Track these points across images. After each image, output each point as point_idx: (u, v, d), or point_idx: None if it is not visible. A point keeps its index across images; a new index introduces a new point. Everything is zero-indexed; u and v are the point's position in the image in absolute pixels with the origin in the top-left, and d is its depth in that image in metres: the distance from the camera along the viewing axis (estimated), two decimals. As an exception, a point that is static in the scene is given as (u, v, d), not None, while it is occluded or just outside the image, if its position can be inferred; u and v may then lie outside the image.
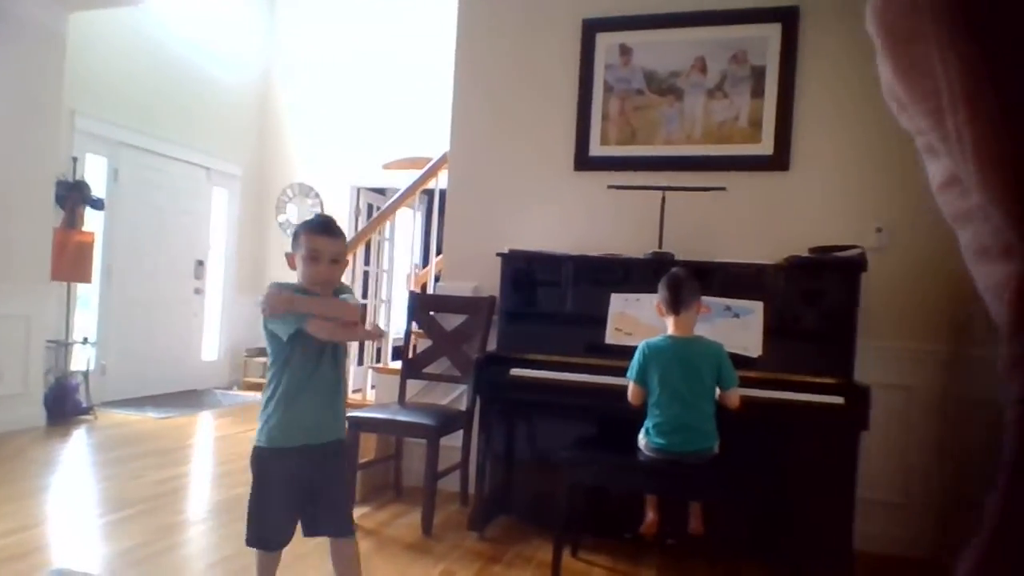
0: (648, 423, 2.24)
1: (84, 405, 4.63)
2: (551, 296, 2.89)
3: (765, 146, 2.95)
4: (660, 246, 2.77)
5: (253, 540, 1.74)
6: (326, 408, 1.74)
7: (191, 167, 5.90)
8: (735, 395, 2.20)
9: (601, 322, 2.66)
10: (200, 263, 6.06)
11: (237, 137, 6.42)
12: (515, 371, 2.61)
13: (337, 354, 1.75)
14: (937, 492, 2.68)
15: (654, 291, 2.33)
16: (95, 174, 4.99)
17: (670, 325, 2.25)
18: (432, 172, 3.86)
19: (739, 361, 2.43)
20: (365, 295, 5.07)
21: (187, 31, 5.73)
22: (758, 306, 2.55)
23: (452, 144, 3.40)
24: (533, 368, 2.62)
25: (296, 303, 1.65)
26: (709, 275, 2.69)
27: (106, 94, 4.99)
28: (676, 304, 2.22)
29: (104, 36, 4.89)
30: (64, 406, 4.49)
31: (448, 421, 2.84)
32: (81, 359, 4.81)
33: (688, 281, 2.25)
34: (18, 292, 4.16)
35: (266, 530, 1.73)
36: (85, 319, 5.06)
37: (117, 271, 5.26)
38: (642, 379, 2.24)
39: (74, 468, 3.60)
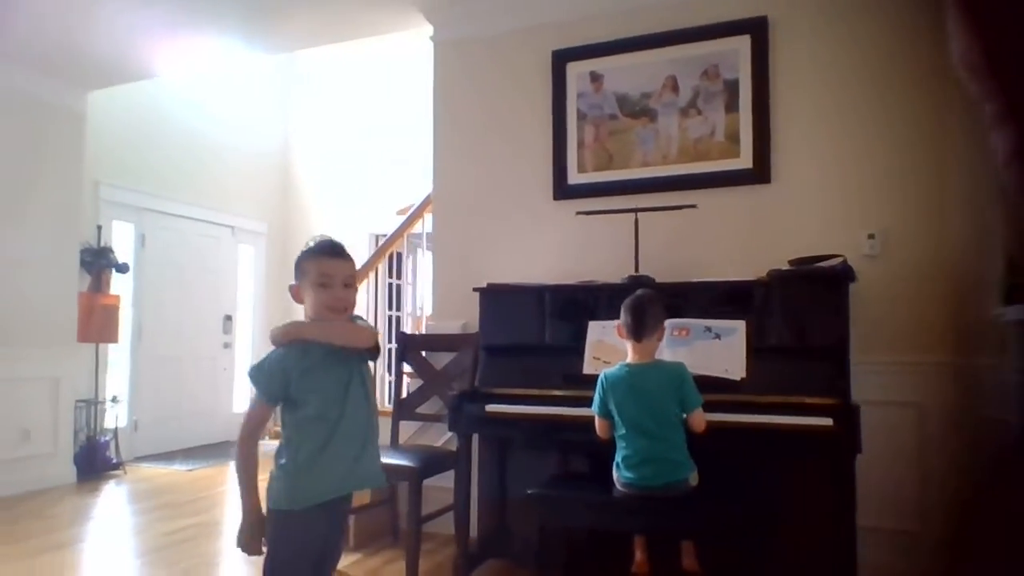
0: (617, 456, 2.14)
1: (114, 461, 4.77)
2: (529, 328, 2.83)
3: (744, 159, 2.86)
4: (636, 270, 2.69)
5: None
6: (361, 451, 1.58)
7: (216, 227, 6.15)
8: (700, 417, 2.08)
9: (580, 352, 2.59)
10: (228, 318, 6.25)
11: (261, 197, 6.66)
12: (491, 407, 2.55)
13: (365, 382, 1.60)
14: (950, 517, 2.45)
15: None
16: (122, 239, 5.25)
17: (630, 351, 2.16)
18: (418, 214, 3.90)
19: (722, 385, 2.31)
20: (390, 340, 5.11)
21: (206, 101, 6.03)
22: (740, 325, 2.43)
23: (435, 185, 3.43)
24: (510, 403, 2.55)
25: (304, 331, 1.55)
26: (687, 296, 2.59)
27: (129, 164, 5.28)
28: (638, 330, 2.13)
29: (125, 109, 5.19)
30: (94, 462, 4.64)
31: (433, 462, 2.78)
32: (111, 417, 4.98)
33: (651, 305, 2.16)
34: (46, 355, 4.37)
35: None
36: (116, 378, 5.25)
37: (147, 330, 5.47)
38: (605, 412, 2.15)
39: (101, 519, 3.71)
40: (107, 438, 4.77)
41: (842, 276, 2.33)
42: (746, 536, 2.10)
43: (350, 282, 1.60)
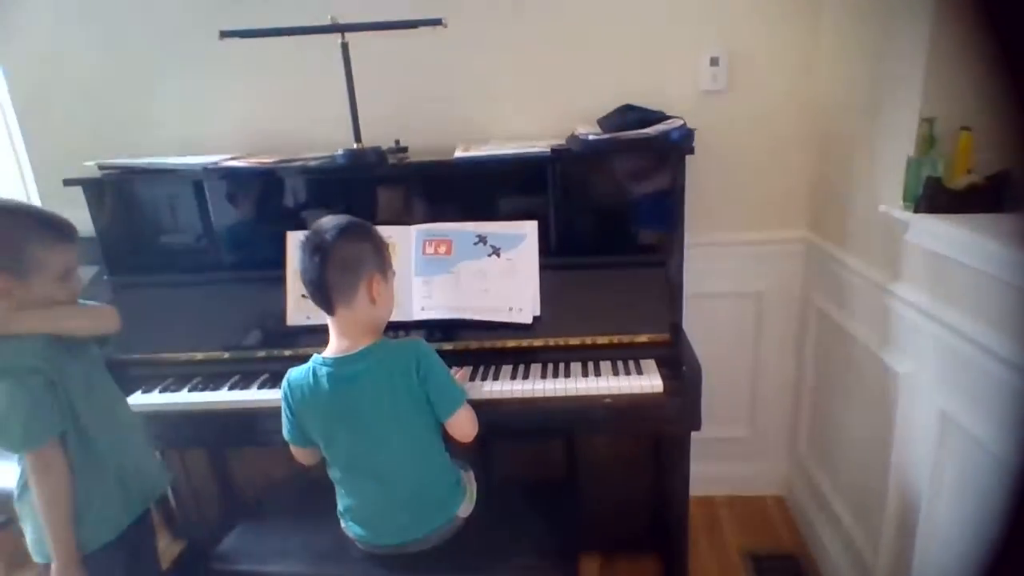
0: (339, 503, 1.25)
1: None
2: (182, 240, 1.67)
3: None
4: (357, 139, 1.60)
5: None
6: (135, 461, 1.27)
7: None
8: (464, 419, 1.23)
9: (276, 284, 1.54)
10: None
11: None
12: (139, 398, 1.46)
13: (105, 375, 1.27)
14: (790, 423, 2.02)
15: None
16: None
17: (331, 332, 1.19)
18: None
19: (506, 333, 1.46)
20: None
21: None
22: (529, 229, 1.53)
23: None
24: (161, 385, 1.49)
25: (15, 322, 1.11)
26: (443, 184, 1.61)
27: None
28: (325, 295, 1.15)
29: None
30: None
31: None
32: None
33: (345, 244, 1.15)
34: None
35: None
36: None
37: None
38: (305, 439, 1.21)
39: None
40: None
41: (675, 147, 1.47)
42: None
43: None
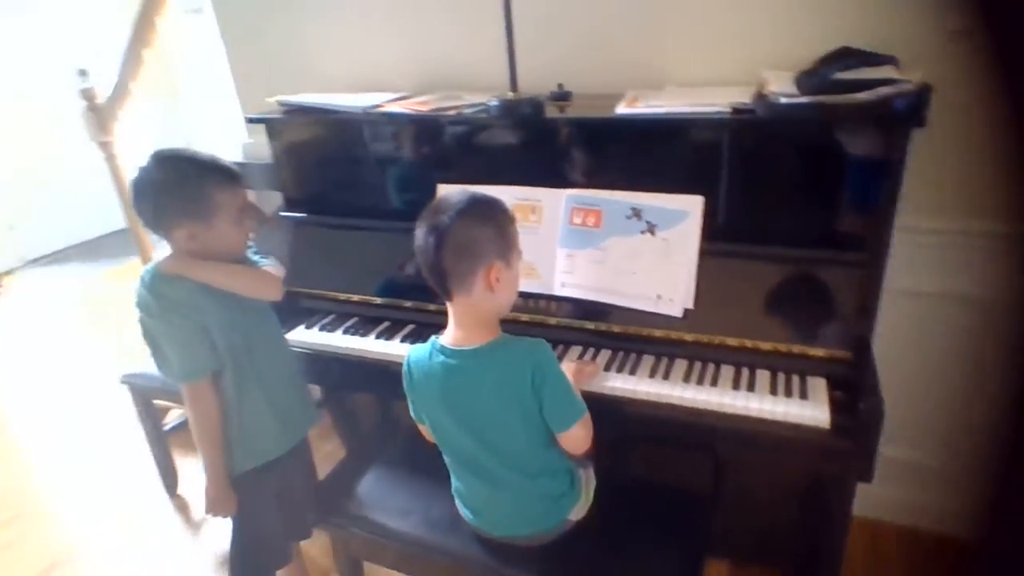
0: (452, 482, 1.25)
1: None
2: (348, 186, 1.70)
3: None
4: (513, 86, 1.45)
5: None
6: (286, 398, 1.39)
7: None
8: (578, 435, 1.13)
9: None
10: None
11: None
12: (298, 333, 1.58)
13: (268, 323, 1.37)
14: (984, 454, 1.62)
15: (502, 174, 1.33)
16: None
17: (449, 316, 1.12)
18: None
19: (653, 320, 1.30)
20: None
21: None
22: (693, 205, 1.31)
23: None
24: (320, 323, 1.59)
25: (193, 269, 1.23)
26: (600, 142, 1.42)
27: None
28: (441, 280, 1.07)
29: None
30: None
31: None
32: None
33: (464, 228, 1.04)
34: None
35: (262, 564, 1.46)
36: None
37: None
38: (422, 418, 1.21)
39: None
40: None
41: (899, 119, 1.11)
42: None
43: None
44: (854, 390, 1.15)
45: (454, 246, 1.04)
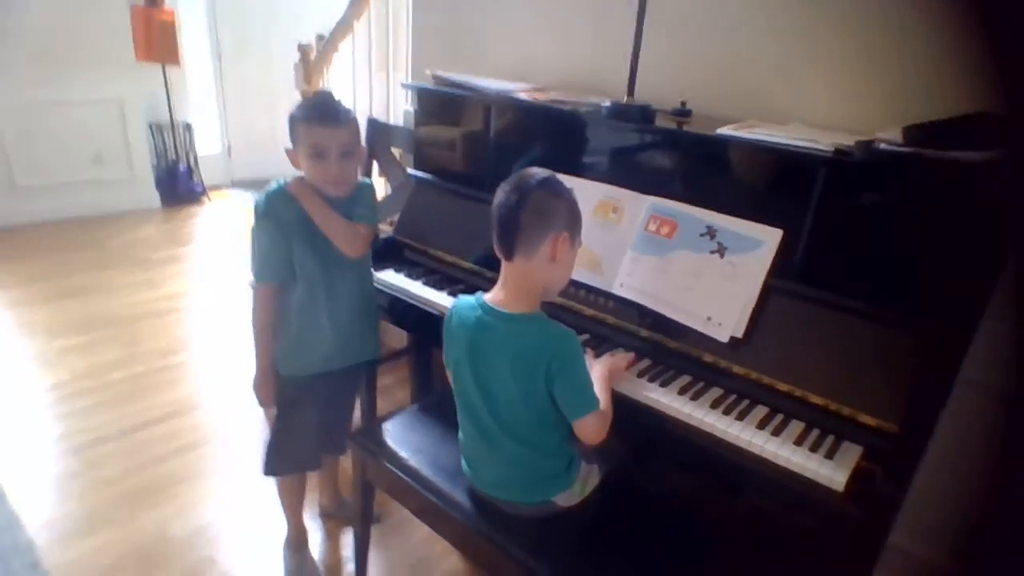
0: (459, 432, 1.33)
1: (199, 188, 4.81)
2: (465, 159, 1.84)
3: None
4: (630, 92, 1.49)
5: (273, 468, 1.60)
6: (349, 327, 1.52)
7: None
8: (591, 425, 1.15)
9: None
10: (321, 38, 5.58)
11: None
12: (383, 275, 1.75)
13: (354, 263, 1.47)
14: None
15: (598, 170, 1.42)
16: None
17: (500, 276, 1.20)
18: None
19: (706, 344, 1.29)
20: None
21: None
22: (771, 237, 1.27)
23: None
24: (407, 269, 1.75)
25: (305, 197, 1.38)
26: (693, 159, 1.42)
27: None
28: (511, 236, 1.14)
29: None
30: (175, 189, 4.71)
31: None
32: (200, 143, 4.90)
33: (545, 194, 1.12)
34: (105, 77, 4.16)
35: (288, 460, 1.60)
36: (202, 104, 5.07)
37: (228, 52, 5.06)
38: (451, 363, 1.30)
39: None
40: (185, 166, 4.75)
41: (1005, 186, 1.01)
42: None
43: (349, 150, 1.39)
44: (887, 464, 1.06)
45: (534, 206, 1.11)
